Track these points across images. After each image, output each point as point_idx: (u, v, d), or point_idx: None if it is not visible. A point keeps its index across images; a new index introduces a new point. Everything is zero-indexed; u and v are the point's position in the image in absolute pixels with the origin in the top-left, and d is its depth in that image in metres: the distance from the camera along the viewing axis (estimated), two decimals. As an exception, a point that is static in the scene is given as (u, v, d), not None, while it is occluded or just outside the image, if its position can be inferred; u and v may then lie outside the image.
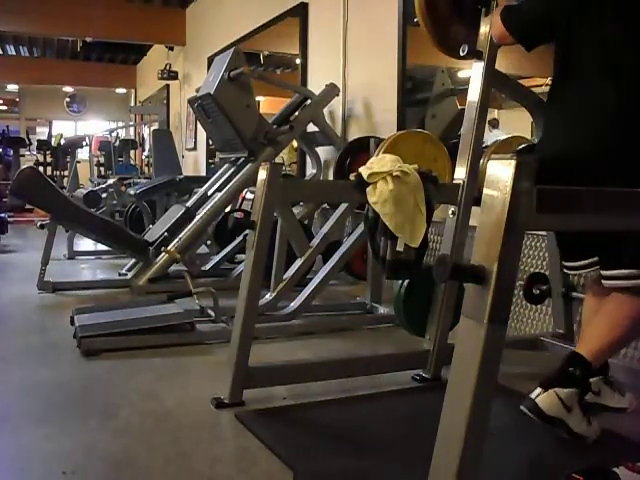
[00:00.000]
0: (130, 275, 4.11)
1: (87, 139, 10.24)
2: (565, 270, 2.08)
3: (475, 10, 2.10)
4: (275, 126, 4.18)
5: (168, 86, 9.85)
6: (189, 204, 4.32)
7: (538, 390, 1.71)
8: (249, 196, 4.93)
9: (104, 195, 6.63)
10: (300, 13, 5.24)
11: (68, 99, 14.88)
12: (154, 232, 4.19)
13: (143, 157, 11.82)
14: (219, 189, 4.22)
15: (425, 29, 2.21)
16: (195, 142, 8.56)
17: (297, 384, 2.16)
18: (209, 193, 4.33)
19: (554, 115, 1.89)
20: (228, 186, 4.11)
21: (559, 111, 1.85)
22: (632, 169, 1.67)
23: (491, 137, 3.86)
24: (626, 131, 1.69)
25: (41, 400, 2.09)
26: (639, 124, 1.68)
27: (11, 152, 11.05)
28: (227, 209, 4.41)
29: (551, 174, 1.70)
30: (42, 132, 14.16)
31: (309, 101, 4.36)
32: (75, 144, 10.40)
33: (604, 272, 1.79)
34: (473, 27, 2.12)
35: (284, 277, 3.15)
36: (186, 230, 3.99)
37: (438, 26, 2.20)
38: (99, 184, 7.46)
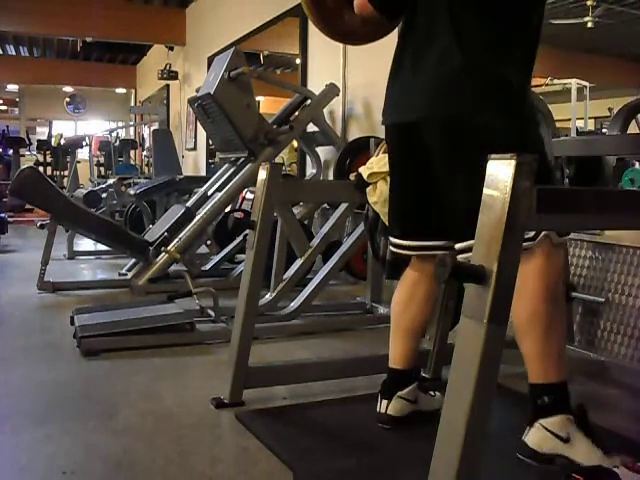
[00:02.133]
0: (130, 275, 4.11)
1: (87, 139, 10.24)
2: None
3: None
4: (275, 126, 4.18)
5: (168, 86, 9.85)
6: (189, 204, 4.32)
7: (527, 429, 1.58)
8: (249, 196, 4.93)
9: (104, 195, 6.62)
10: (300, 13, 5.23)
11: (68, 99, 14.87)
12: (154, 232, 4.19)
13: (143, 157, 11.83)
14: (219, 189, 4.22)
15: (314, 22, 2.07)
16: (195, 142, 8.56)
17: (297, 384, 2.16)
18: (209, 193, 4.33)
19: (406, 80, 1.75)
20: (228, 186, 4.11)
21: (410, 77, 1.73)
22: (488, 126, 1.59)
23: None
24: (474, 91, 1.61)
25: (41, 400, 2.09)
26: (487, 85, 1.61)
27: (11, 152, 11.05)
28: (227, 209, 4.41)
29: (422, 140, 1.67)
30: (42, 132, 14.16)
31: (309, 101, 4.36)
32: (75, 144, 10.39)
33: (458, 245, 1.66)
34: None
35: (284, 277, 3.15)
36: (186, 230, 3.99)
37: (329, 18, 2.05)
38: (99, 184, 7.47)
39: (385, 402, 1.85)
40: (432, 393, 1.97)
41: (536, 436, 1.54)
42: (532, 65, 1.71)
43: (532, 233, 1.54)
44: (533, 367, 1.58)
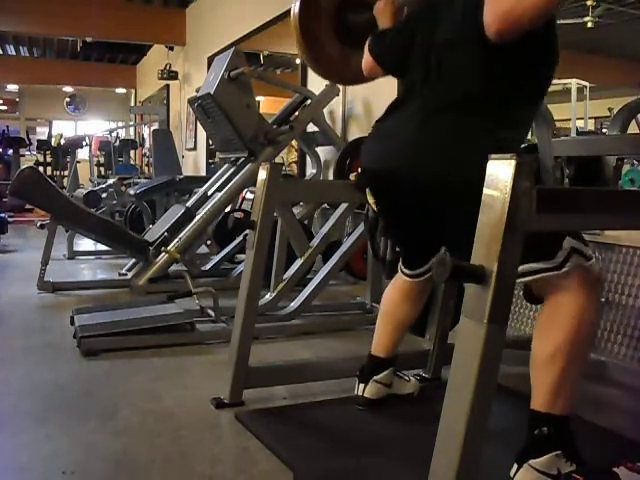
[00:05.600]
0: (130, 275, 4.11)
1: (87, 139, 10.23)
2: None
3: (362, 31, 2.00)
4: (275, 126, 4.18)
5: (168, 86, 9.85)
6: (189, 204, 4.32)
7: (514, 467, 1.44)
8: (249, 196, 4.93)
9: (104, 195, 6.62)
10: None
11: (68, 99, 14.87)
12: (154, 232, 4.19)
13: (143, 157, 11.83)
14: (219, 189, 4.22)
15: (323, 77, 2.19)
16: (195, 142, 8.56)
17: (297, 384, 2.17)
18: (209, 193, 4.33)
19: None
20: (228, 186, 4.11)
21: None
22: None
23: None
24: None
25: (41, 400, 2.08)
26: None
27: (11, 152, 11.05)
28: (227, 209, 4.41)
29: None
30: (42, 132, 14.16)
31: (309, 101, 4.36)
32: (75, 144, 10.39)
33: None
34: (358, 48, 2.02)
35: (284, 277, 3.15)
36: (186, 230, 3.99)
37: (337, 69, 2.13)
38: (99, 184, 7.46)
39: (362, 385, 1.98)
40: (407, 378, 2.09)
41: (526, 477, 1.42)
42: (528, 126, 1.67)
43: (559, 261, 1.41)
44: (540, 395, 1.44)
